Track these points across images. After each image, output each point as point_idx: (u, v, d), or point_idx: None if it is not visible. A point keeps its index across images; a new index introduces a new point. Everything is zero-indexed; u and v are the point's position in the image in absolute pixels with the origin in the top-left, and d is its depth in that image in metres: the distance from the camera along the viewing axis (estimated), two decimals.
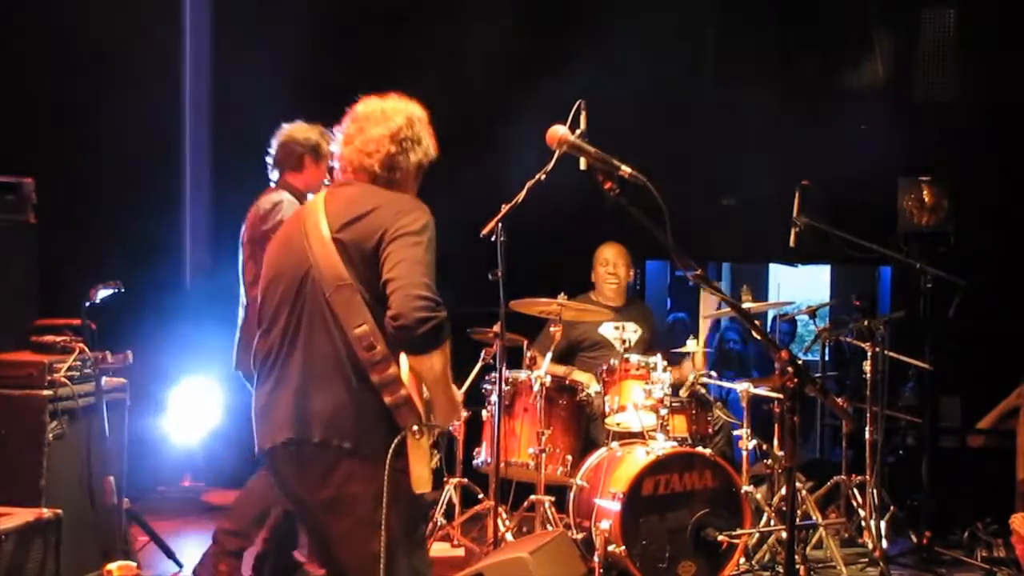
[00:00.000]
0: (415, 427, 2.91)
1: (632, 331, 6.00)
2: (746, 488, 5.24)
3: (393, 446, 2.90)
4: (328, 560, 3.19)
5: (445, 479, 5.61)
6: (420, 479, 2.95)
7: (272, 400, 3.08)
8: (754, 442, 5.54)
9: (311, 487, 3.04)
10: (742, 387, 5.58)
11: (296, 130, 4.89)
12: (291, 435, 3.01)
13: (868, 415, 5.75)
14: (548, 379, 5.43)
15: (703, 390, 5.72)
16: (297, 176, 4.89)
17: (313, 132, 4.86)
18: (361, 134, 3.19)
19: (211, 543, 4.81)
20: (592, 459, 5.48)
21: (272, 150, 4.91)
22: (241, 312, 4.81)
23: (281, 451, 3.04)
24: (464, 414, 5.57)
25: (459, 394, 3.19)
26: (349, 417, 2.97)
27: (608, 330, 6.12)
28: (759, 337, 3.27)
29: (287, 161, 4.88)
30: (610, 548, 5.02)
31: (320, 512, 3.06)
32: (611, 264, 6.30)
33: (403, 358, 2.95)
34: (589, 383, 5.78)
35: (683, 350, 5.93)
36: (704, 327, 6.04)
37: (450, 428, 2.96)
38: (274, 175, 4.92)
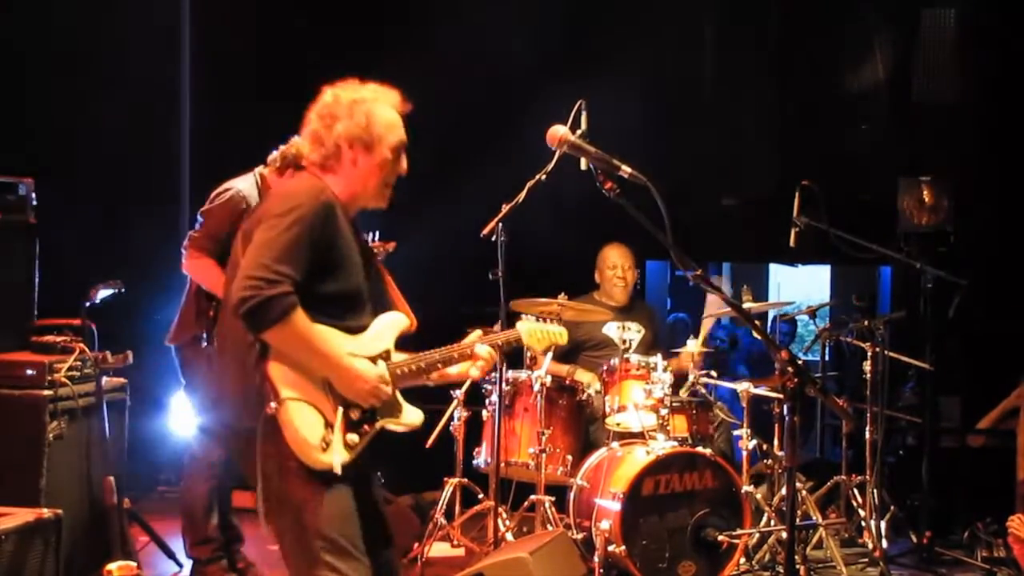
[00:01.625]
0: (272, 403, 2.99)
1: (635, 331, 6.00)
2: (746, 488, 5.24)
3: (260, 424, 3.01)
4: None
5: (445, 479, 5.61)
6: (302, 448, 3.02)
7: (212, 383, 3.30)
8: (754, 442, 5.54)
9: (241, 466, 3.19)
10: (742, 387, 5.58)
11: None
12: (219, 416, 3.23)
13: (868, 415, 5.75)
14: (548, 379, 5.43)
15: (703, 390, 5.72)
16: None
17: None
18: (307, 120, 3.28)
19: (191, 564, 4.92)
20: (592, 459, 5.48)
21: None
22: None
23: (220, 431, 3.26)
24: (465, 413, 5.57)
25: (364, 365, 3.15)
26: (250, 399, 3.06)
27: (612, 330, 6.12)
28: (759, 337, 3.27)
29: None
30: (610, 548, 5.02)
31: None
32: (619, 267, 6.31)
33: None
34: (591, 383, 5.78)
35: (683, 350, 5.93)
36: (706, 327, 6.03)
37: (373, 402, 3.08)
38: None
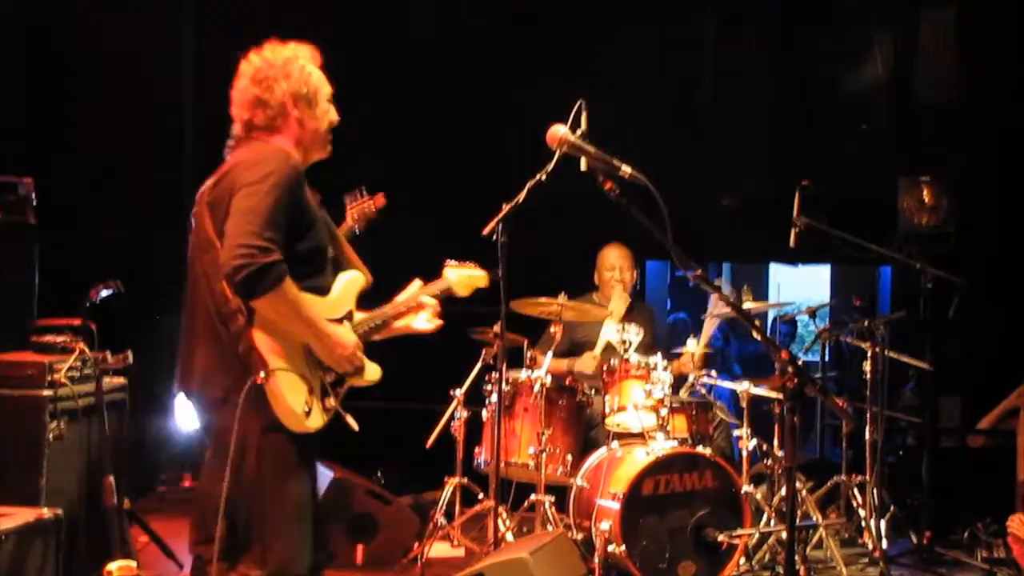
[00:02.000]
0: (261, 373, 3.07)
1: (634, 333, 6.00)
2: (746, 488, 5.24)
3: (244, 392, 3.07)
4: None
5: (445, 479, 5.61)
6: (289, 417, 3.14)
7: (179, 355, 3.33)
8: (754, 442, 5.54)
9: (208, 435, 3.31)
10: (742, 387, 5.57)
11: None
12: (183, 387, 3.31)
13: (868, 415, 5.75)
14: (548, 379, 5.43)
15: (703, 390, 5.72)
16: None
17: None
18: (235, 90, 3.36)
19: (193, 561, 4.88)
20: (592, 459, 5.48)
21: None
22: None
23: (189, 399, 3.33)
24: (465, 413, 5.57)
25: (344, 331, 3.29)
26: (222, 368, 3.16)
27: (610, 331, 6.12)
28: (759, 337, 3.27)
29: None
30: (610, 548, 5.02)
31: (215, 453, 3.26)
32: (617, 269, 6.30)
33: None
34: (589, 366, 5.76)
35: (683, 350, 5.93)
36: (709, 327, 6.03)
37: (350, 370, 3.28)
38: None
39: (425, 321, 3.70)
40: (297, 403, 3.15)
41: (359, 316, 3.50)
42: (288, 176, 3.16)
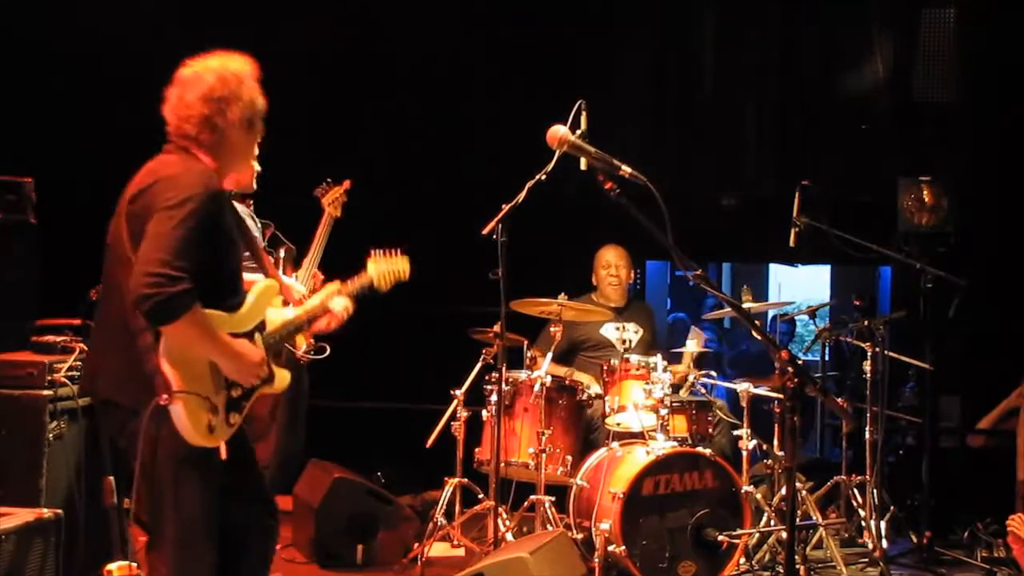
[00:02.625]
0: (164, 396, 3.12)
1: (633, 331, 6.01)
2: (746, 488, 5.24)
3: (148, 412, 3.12)
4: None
5: (445, 479, 5.61)
6: (191, 436, 3.20)
7: (87, 359, 3.40)
8: (754, 442, 5.54)
9: (115, 436, 3.39)
10: (742, 387, 5.57)
11: None
12: (89, 391, 3.37)
13: (868, 415, 5.75)
14: (548, 379, 5.43)
15: (703, 390, 5.72)
16: None
17: None
18: (178, 99, 3.31)
19: None
20: (592, 459, 5.48)
21: None
22: None
23: (95, 404, 3.39)
24: (465, 413, 5.57)
25: (249, 348, 3.33)
26: (132, 379, 3.20)
27: (609, 331, 6.12)
28: (759, 337, 3.27)
29: None
30: (610, 548, 5.02)
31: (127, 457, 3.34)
32: (613, 267, 6.30)
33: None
34: (589, 384, 5.78)
35: (683, 350, 5.93)
36: (688, 359, 6.04)
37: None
38: None
39: (334, 325, 3.78)
40: (199, 424, 3.20)
41: (276, 320, 3.55)
42: (206, 203, 3.16)
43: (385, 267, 3.94)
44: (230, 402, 3.33)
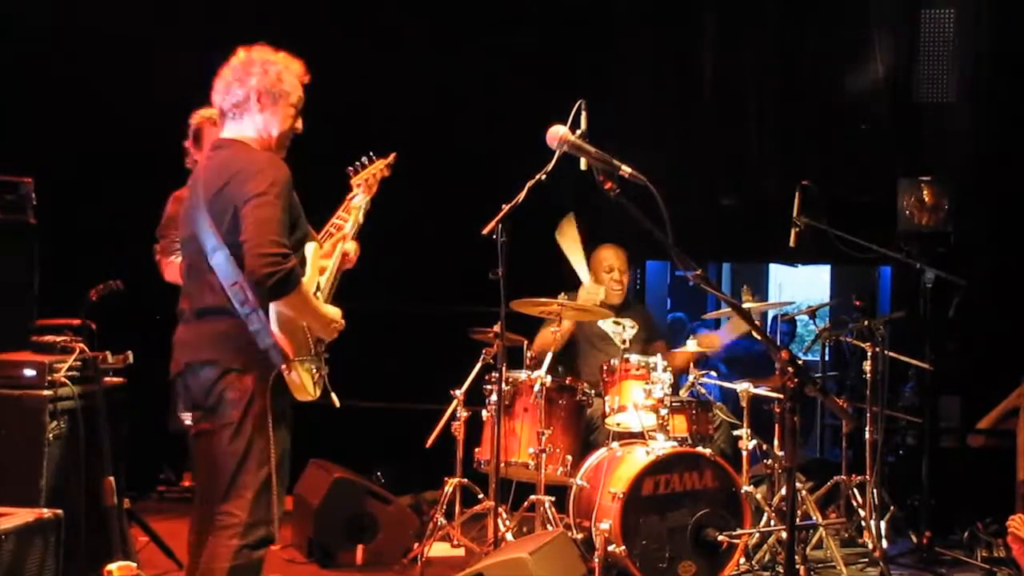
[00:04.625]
0: (283, 366, 3.53)
1: (630, 327, 6.02)
2: (746, 488, 5.24)
3: (271, 383, 3.52)
4: (202, 474, 3.75)
5: (445, 479, 5.61)
6: (302, 394, 3.63)
7: (179, 336, 3.69)
8: (754, 442, 5.54)
9: (197, 397, 3.64)
10: (742, 387, 5.58)
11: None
12: (188, 359, 3.63)
13: (868, 415, 5.75)
14: (548, 379, 5.43)
15: (703, 390, 5.72)
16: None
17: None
18: (216, 88, 3.72)
19: None
20: (592, 459, 5.49)
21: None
22: None
23: (185, 372, 3.66)
24: (465, 413, 5.57)
25: (329, 310, 3.74)
26: (225, 343, 3.56)
27: (608, 325, 6.15)
28: (759, 337, 3.27)
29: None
30: (610, 548, 5.02)
31: (204, 419, 3.64)
32: (616, 270, 6.30)
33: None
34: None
35: (683, 350, 5.93)
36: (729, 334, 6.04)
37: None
38: None
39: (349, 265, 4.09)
40: (310, 384, 3.65)
41: (325, 284, 3.90)
42: (286, 183, 3.53)
43: (365, 175, 4.23)
44: (320, 359, 3.75)
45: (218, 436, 3.58)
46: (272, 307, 3.51)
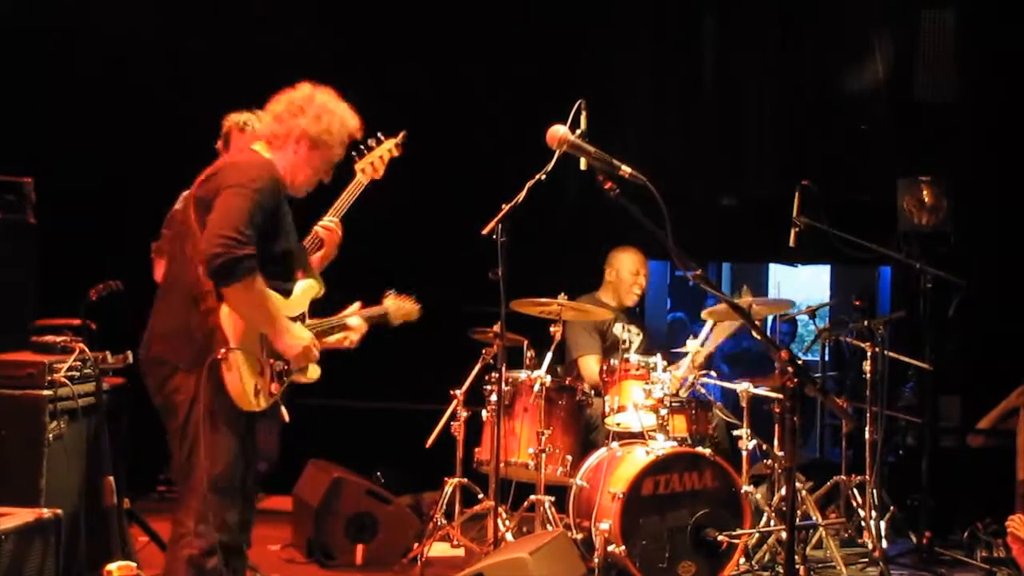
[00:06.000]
0: (222, 350, 3.45)
1: (635, 333, 6.06)
2: (746, 488, 5.24)
3: (206, 365, 3.44)
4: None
5: (445, 479, 5.61)
6: (239, 394, 3.51)
7: (148, 327, 3.68)
8: (754, 442, 5.54)
9: (153, 393, 3.63)
10: (742, 387, 5.57)
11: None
12: (143, 352, 3.66)
13: (868, 415, 5.75)
14: (548, 379, 5.43)
15: (703, 390, 5.72)
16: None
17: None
18: (266, 110, 3.78)
19: None
20: (592, 459, 5.48)
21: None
22: None
23: (142, 363, 3.69)
24: (465, 413, 5.57)
25: (299, 327, 3.66)
26: (182, 338, 3.53)
27: (618, 329, 6.17)
28: (759, 337, 3.27)
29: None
30: (610, 548, 5.02)
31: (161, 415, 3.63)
32: (641, 275, 6.29)
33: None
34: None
35: (683, 350, 5.93)
36: (719, 335, 6.02)
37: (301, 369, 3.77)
38: None
39: (347, 343, 4.07)
40: (249, 382, 3.52)
41: (309, 321, 3.84)
42: (269, 183, 3.52)
43: (400, 305, 4.38)
44: (274, 374, 3.64)
45: (170, 440, 3.57)
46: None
